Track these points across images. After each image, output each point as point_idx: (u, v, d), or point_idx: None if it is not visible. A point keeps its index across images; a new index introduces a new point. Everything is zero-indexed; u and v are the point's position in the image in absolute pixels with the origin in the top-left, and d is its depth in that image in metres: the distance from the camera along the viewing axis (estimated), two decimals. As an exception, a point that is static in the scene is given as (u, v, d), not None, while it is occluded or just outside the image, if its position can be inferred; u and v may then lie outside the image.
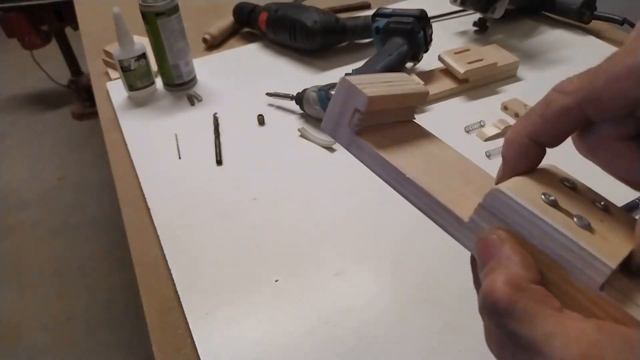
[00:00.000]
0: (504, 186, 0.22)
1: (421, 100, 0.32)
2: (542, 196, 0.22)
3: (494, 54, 0.85)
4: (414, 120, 0.32)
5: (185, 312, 0.54)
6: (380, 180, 0.27)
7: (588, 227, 0.21)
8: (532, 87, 0.83)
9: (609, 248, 0.21)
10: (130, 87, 0.86)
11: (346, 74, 0.77)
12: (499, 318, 0.20)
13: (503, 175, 0.25)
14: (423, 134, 0.31)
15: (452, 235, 0.25)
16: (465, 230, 0.24)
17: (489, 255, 0.22)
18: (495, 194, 0.22)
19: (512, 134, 0.24)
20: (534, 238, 0.22)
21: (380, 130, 0.29)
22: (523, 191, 0.22)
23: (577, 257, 0.21)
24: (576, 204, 0.23)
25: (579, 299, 0.21)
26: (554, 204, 0.22)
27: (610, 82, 0.21)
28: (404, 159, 0.28)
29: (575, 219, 0.22)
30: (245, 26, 1.05)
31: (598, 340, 0.18)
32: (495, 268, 0.21)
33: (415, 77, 0.81)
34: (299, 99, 0.79)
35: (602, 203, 0.24)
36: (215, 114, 0.82)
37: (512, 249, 0.21)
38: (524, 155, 0.24)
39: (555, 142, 0.24)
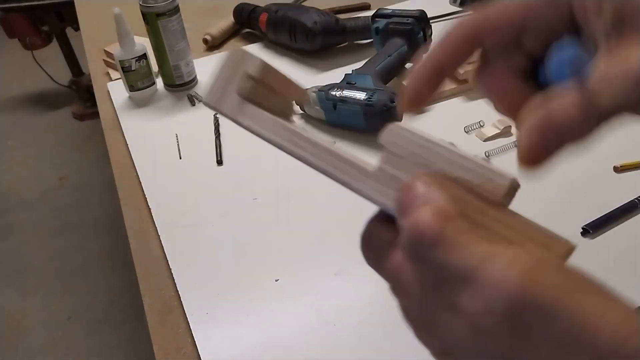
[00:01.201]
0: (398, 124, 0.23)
1: (301, 95, 0.30)
2: None
3: (494, 55, 0.85)
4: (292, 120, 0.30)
5: (186, 312, 0.54)
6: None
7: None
8: (532, 88, 0.83)
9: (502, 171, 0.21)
10: (131, 87, 0.87)
11: (346, 74, 0.78)
12: (425, 252, 0.19)
13: (405, 103, 0.27)
14: None
15: (358, 192, 0.24)
16: (372, 182, 0.24)
17: (412, 198, 0.21)
18: (391, 127, 0.23)
19: (418, 66, 0.26)
20: (436, 165, 0.22)
21: (263, 106, 0.28)
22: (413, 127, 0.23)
23: (479, 175, 0.21)
24: None
25: (500, 231, 0.21)
26: None
27: (500, 11, 0.25)
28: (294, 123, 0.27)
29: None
30: (246, 27, 1.05)
31: (533, 262, 0.18)
32: (420, 205, 0.20)
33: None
34: (299, 99, 0.80)
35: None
36: (216, 114, 0.83)
37: (437, 188, 0.21)
38: (427, 85, 0.26)
39: (454, 68, 0.26)
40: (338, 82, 0.77)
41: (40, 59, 2.23)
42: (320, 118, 0.78)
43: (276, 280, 0.56)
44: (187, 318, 0.54)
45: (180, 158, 0.76)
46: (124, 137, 0.81)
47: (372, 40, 0.89)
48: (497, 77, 0.26)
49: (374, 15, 0.87)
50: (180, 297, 0.56)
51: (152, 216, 0.66)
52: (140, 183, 0.72)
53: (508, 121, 0.75)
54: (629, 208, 0.60)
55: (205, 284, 0.57)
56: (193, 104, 0.87)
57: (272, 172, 0.71)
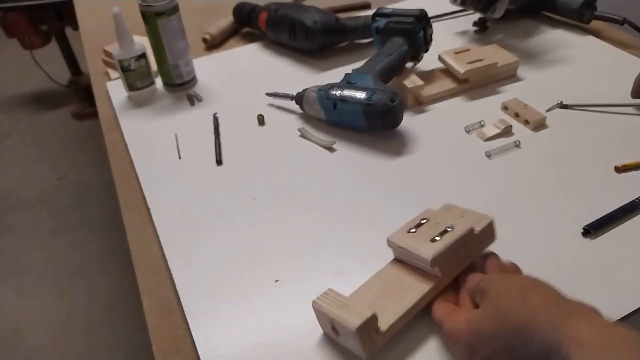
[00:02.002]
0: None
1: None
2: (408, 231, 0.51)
3: (494, 54, 0.85)
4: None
5: (185, 313, 0.54)
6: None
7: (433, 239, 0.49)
8: (532, 87, 0.83)
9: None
10: (130, 87, 0.86)
11: (346, 74, 0.77)
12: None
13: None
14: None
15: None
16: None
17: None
18: (388, 244, 0.51)
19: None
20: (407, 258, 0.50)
21: None
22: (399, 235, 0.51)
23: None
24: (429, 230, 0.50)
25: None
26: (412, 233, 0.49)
27: None
28: None
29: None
30: (245, 26, 1.05)
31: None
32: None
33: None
34: (299, 98, 0.79)
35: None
36: (215, 113, 0.82)
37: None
38: None
39: None
40: (338, 81, 0.77)
41: (39, 58, 2.23)
42: (320, 117, 0.78)
43: (276, 281, 0.56)
44: (186, 319, 0.53)
45: (180, 158, 0.75)
46: (123, 137, 0.81)
47: (372, 39, 0.89)
48: None
49: (374, 15, 0.86)
50: (179, 298, 0.55)
51: (151, 216, 0.66)
52: (140, 183, 0.71)
53: (509, 121, 0.75)
54: (630, 208, 0.60)
55: (204, 285, 0.56)
56: (192, 104, 0.86)
57: (271, 172, 0.71)
